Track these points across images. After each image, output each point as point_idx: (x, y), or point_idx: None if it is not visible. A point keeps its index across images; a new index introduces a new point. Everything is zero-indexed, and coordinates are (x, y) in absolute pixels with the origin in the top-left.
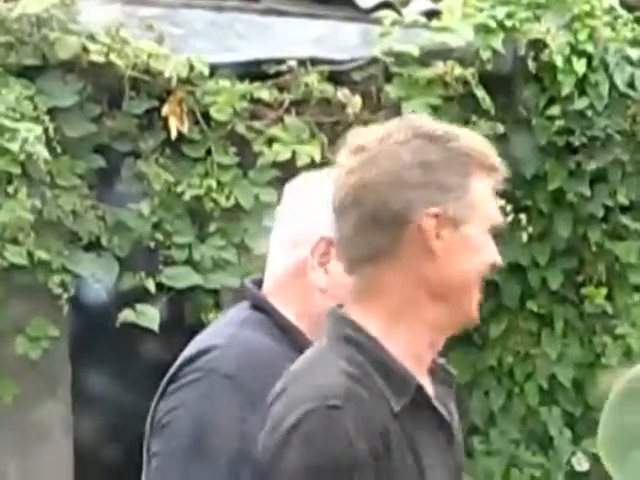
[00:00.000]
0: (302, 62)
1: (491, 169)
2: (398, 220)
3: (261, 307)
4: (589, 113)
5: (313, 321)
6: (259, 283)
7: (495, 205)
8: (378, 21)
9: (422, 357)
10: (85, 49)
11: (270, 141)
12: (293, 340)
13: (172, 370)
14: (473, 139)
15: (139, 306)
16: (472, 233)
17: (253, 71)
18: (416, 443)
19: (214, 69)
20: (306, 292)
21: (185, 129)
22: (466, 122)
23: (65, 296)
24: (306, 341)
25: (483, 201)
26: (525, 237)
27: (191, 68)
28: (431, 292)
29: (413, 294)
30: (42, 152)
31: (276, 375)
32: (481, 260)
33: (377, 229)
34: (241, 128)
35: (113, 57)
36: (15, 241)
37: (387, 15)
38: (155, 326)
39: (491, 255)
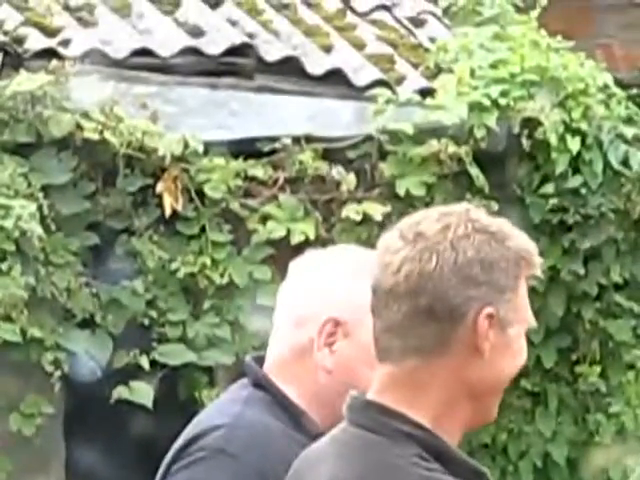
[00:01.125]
0: (296, 140)
1: (535, 269)
2: (454, 316)
3: (262, 385)
4: (583, 191)
5: (315, 401)
6: (260, 361)
7: (529, 307)
8: (372, 99)
9: None
10: (79, 126)
11: (264, 219)
12: (295, 419)
13: (175, 449)
14: (523, 238)
15: (133, 383)
16: (514, 336)
17: (247, 149)
18: None
19: (208, 147)
20: (308, 372)
21: (179, 206)
22: (460, 200)
23: (58, 373)
24: (308, 421)
25: (524, 303)
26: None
27: (185, 146)
28: (469, 391)
29: (454, 392)
30: (36, 229)
31: (280, 454)
32: (517, 363)
33: (430, 322)
34: (235, 206)
35: (107, 135)
36: (8, 318)
37: (381, 93)
38: (149, 403)
39: (524, 358)
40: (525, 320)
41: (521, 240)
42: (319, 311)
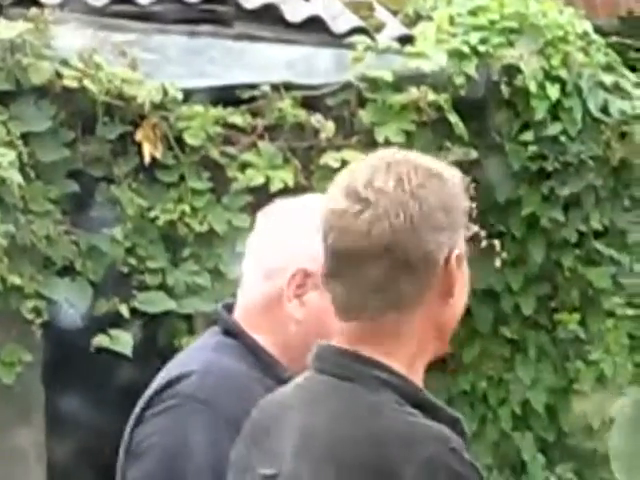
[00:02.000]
0: (275, 87)
1: (467, 201)
2: (429, 264)
3: (233, 332)
4: (562, 138)
5: (285, 350)
6: (231, 308)
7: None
8: (351, 46)
9: None
10: (58, 74)
11: (244, 166)
12: (266, 366)
13: (147, 395)
14: (456, 173)
15: (113, 331)
16: (466, 268)
17: (226, 96)
18: None
19: (187, 94)
20: (279, 323)
21: (159, 154)
22: (440, 148)
23: (38, 321)
24: (280, 367)
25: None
26: (498, 263)
27: (164, 93)
28: (438, 332)
29: (426, 336)
30: (15, 177)
31: (251, 400)
32: (467, 292)
33: (408, 275)
34: (215, 153)
35: (86, 82)
36: None
37: (360, 40)
38: (129, 351)
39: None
40: (464, 253)
41: (458, 176)
42: (288, 262)
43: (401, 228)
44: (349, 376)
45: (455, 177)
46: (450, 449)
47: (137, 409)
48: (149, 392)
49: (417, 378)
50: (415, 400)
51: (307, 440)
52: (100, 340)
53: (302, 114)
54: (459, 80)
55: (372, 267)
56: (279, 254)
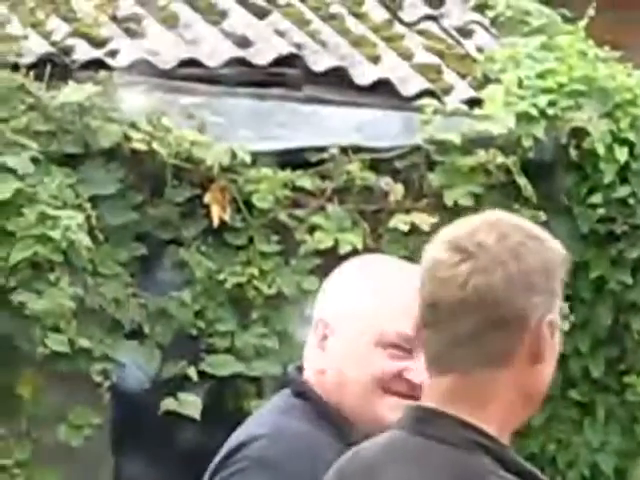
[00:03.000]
0: (344, 150)
1: (566, 270)
2: (523, 324)
3: (303, 394)
4: (631, 201)
5: (352, 407)
6: (302, 369)
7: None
8: (420, 109)
9: None
10: (127, 137)
11: (312, 229)
12: (336, 428)
13: (217, 460)
14: (556, 241)
15: (181, 394)
16: (558, 338)
17: (295, 159)
18: None
19: (256, 157)
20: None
21: (227, 217)
22: (508, 210)
23: (106, 384)
24: (350, 427)
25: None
26: (567, 326)
27: (233, 156)
28: (525, 397)
29: (515, 399)
30: (84, 240)
31: (320, 464)
32: (555, 363)
33: (500, 331)
34: (283, 216)
35: (155, 145)
36: (57, 329)
37: (429, 103)
38: (197, 415)
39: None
40: (559, 322)
41: (557, 243)
42: (316, 313)
43: (498, 284)
44: (449, 440)
45: (555, 244)
46: None
47: (208, 474)
48: (219, 456)
49: (506, 441)
50: (509, 465)
51: None
52: (168, 403)
53: (371, 177)
54: (527, 143)
55: (465, 320)
56: (316, 306)
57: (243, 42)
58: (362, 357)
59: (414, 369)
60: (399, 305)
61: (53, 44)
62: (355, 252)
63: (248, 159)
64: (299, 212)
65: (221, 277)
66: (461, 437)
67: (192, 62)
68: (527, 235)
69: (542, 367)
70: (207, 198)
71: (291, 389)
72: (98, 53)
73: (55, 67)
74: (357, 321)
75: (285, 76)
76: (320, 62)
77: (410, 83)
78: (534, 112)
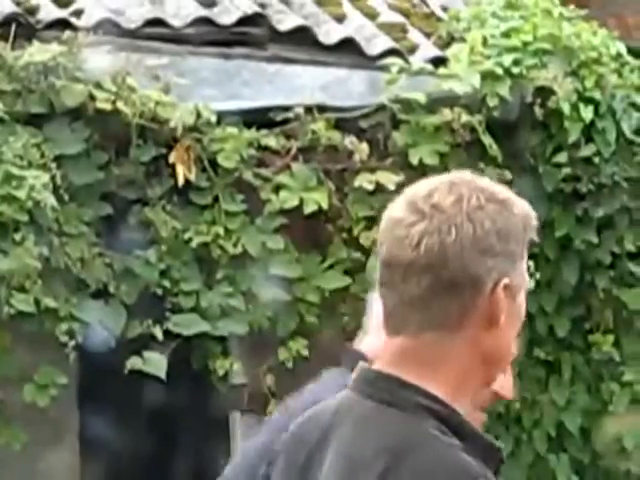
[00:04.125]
0: (309, 109)
1: (534, 234)
2: (475, 288)
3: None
4: (596, 160)
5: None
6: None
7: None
8: (385, 68)
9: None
10: (92, 97)
11: (277, 188)
12: None
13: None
14: (524, 204)
15: (146, 353)
16: (521, 302)
17: (260, 118)
18: None
19: (221, 117)
20: None
21: (192, 176)
22: (474, 169)
23: (72, 344)
24: None
25: (525, 268)
26: (532, 284)
27: (198, 116)
28: (483, 361)
29: (469, 363)
30: (49, 199)
31: None
32: (519, 327)
33: (452, 295)
34: (248, 175)
35: (120, 105)
36: (22, 289)
37: (394, 62)
38: (162, 374)
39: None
40: (526, 285)
41: (524, 206)
42: None
43: (450, 246)
44: (395, 403)
45: (521, 208)
46: None
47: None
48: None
49: (461, 404)
50: (456, 427)
51: (353, 466)
52: (134, 362)
53: (336, 136)
54: (492, 102)
55: (416, 281)
56: None
57: (208, 2)
58: None
59: None
60: None
61: (18, 4)
62: (320, 211)
63: (213, 118)
64: (264, 171)
65: (186, 236)
66: (402, 399)
67: (157, 22)
68: (488, 198)
69: (501, 331)
70: (172, 158)
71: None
72: (63, 13)
73: (20, 27)
74: None
75: (250, 35)
76: (285, 21)
77: (375, 42)
78: (499, 71)
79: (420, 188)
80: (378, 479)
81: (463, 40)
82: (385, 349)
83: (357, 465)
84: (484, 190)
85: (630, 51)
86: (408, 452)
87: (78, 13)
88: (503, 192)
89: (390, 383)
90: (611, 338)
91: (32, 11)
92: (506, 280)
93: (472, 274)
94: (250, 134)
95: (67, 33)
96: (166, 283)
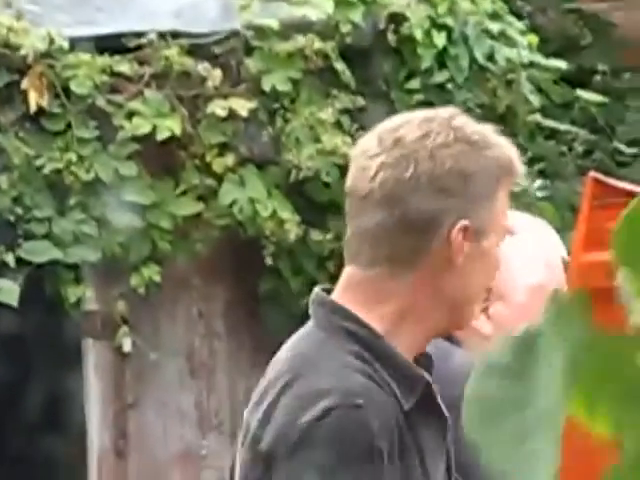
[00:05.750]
0: (162, 35)
1: (516, 178)
2: (429, 227)
3: None
4: (449, 86)
5: None
6: None
7: (508, 214)
8: None
9: (414, 355)
10: None
11: (130, 115)
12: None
13: None
14: (504, 147)
15: None
16: (489, 246)
17: (113, 45)
18: (421, 440)
19: (74, 43)
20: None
21: (45, 103)
22: (327, 95)
23: None
24: None
25: (503, 212)
26: None
27: (50, 42)
28: (440, 300)
29: (422, 300)
30: None
31: None
32: (492, 273)
33: (404, 232)
34: (101, 102)
35: None
36: None
37: None
38: (14, 302)
39: (498, 267)
40: (503, 229)
41: (502, 149)
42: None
43: (406, 181)
44: (323, 326)
45: (499, 151)
46: (354, 405)
47: None
48: None
49: (402, 340)
50: (380, 354)
51: (267, 385)
52: None
53: (189, 62)
54: (345, 28)
55: (371, 214)
56: None
57: None
58: None
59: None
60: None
61: None
62: (173, 138)
63: (65, 45)
64: (117, 98)
65: (38, 163)
66: (329, 321)
67: None
68: (458, 137)
69: (463, 275)
70: (24, 84)
71: None
72: None
73: None
74: None
75: None
76: None
77: None
78: None
79: (392, 121)
80: (276, 395)
81: None
82: (341, 276)
83: (269, 384)
84: (457, 129)
85: None
86: (307, 368)
87: None
88: (482, 134)
89: (324, 307)
90: None
91: None
92: (465, 222)
93: (426, 213)
94: (103, 60)
95: None
96: (18, 210)
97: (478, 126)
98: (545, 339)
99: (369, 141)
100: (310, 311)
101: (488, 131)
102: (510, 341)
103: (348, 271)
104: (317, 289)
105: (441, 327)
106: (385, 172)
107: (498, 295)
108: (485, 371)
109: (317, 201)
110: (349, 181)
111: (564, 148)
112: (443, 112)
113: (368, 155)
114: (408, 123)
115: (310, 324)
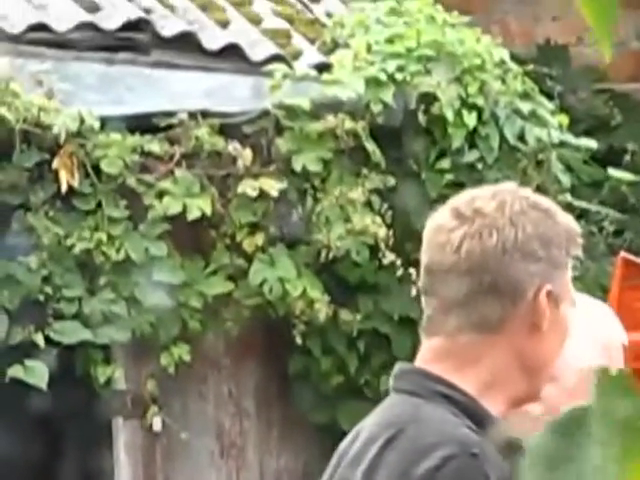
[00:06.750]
0: (193, 115)
1: (579, 249)
2: (516, 292)
3: None
4: (479, 166)
5: None
6: None
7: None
8: (269, 74)
9: None
10: None
11: (161, 194)
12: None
13: None
14: (569, 217)
15: (28, 362)
16: (564, 313)
17: (144, 124)
18: None
19: (104, 122)
20: None
21: (75, 182)
22: (357, 175)
23: None
24: None
25: (570, 281)
26: (414, 291)
27: (81, 121)
28: (523, 366)
29: (508, 367)
30: None
31: None
32: (564, 341)
33: (492, 298)
34: (131, 181)
35: (3, 110)
36: None
37: (278, 68)
38: (43, 384)
39: (568, 335)
40: (571, 299)
41: (568, 218)
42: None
43: (491, 249)
44: (416, 392)
45: (565, 219)
46: (471, 454)
47: None
48: None
49: (490, 404)
50: (475, 416)
51: (367, 442)
52: (14, 371)
53: (219, 142)
54: (376, 108)
55: (456, 284)
56: None
57: (92, 6)
58: None
59: None
60: None
61: None
62: (203, 218)
63: (96, 124)
64: (148, 177)
65: (69, 242)
66: (423, 387)
67: (41, 26)
68: (531, 205)
69: (543, 339)
70: (55, 163)
71: None
72: None
73: None
74: None
75: (134, 41)
76: (169, 27)
77: (259, 48)
78: (383, 77)
79: (463, 196)
80: (380, 449)
81: (347, 46)
82: (420, 350)
83: (369, 441)
84: (527, 198)
85: (513, 58)
86: (410, 424)
87: None
88: (547, 202)
89: (415, 375)
90: None
91: None
92: (549, 286)
93: (513, 278)
94: (133, 140)
95: None
96: (48, 289)
97: (541, 196)
98: (595, 418)
99: (442, 217)
100: (393, 385)
101: (550, 201)
102: (558, 423)
103: (432, 343)
104: (400, 364)
105: (520, 396)
106: (469, 243)
107: (550, 377)
108: (535, 460)
109: (347, 281)
110: (427, 258)
111: (594, 228)
112: (506, 185)
113: (447, 229)
114: (479, 196)
115: (396, 396)
